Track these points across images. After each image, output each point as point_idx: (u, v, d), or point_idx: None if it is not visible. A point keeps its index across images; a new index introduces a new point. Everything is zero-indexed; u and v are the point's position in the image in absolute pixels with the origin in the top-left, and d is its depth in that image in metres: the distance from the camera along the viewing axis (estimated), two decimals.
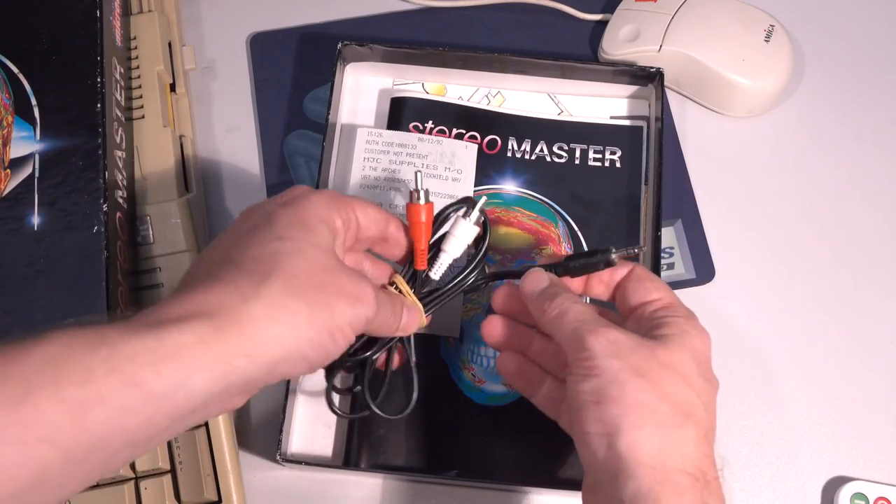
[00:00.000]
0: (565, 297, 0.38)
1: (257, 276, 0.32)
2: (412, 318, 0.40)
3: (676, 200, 0.52)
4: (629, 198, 0.50)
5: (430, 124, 0.52)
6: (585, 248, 0.49)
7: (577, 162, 0.51)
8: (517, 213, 0.50)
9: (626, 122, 0.53)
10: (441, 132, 0.52)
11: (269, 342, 0.31)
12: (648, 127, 0.52)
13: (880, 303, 0.50)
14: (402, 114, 0.52)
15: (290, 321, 0.32)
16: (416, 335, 0.43)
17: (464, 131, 0.52)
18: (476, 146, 0.51)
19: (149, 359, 0.29)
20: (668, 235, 0.51)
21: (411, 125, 0.52)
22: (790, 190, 0.53)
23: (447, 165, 0.50)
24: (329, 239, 0.35)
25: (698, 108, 0.55)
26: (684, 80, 0.54)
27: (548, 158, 0.51)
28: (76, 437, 0.28)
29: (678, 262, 0.51)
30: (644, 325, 0.37)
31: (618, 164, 0.51)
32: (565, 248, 0.49)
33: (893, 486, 0.46)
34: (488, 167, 0.51)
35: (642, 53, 0.53)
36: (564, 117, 0.53)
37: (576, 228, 0.50)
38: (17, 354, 0.28)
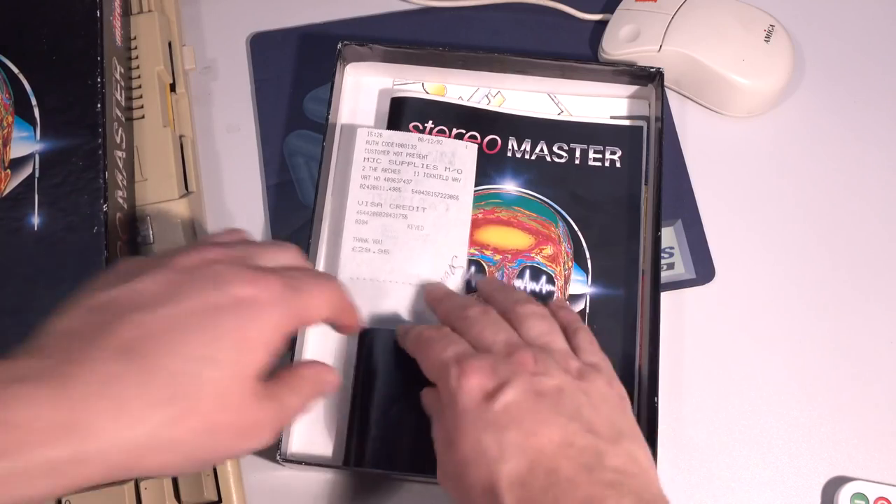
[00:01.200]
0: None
1: (153, 400, 0.30)
2: (322, 386, 0.38)
3: (676, 200, 0.52)
4: (629, 198, 0.50)
5: (430, 124, 0.52)
6: (585, 248, 0.49)
7: (577, 162, 0.51)
8: (517, 213, 0.50)
9: (627, 122, 0.53)
10: (441, 132, 0.52)
11: (131, 464, 0.30)
12: (648, 127, 0.52)
13: (880, 302, 0.50)
14: (402, 114, 0.52)
15: (165, 458, 0.31)
16: None
17: (464, 131, 0.52)
18: (476, 146, 0.51)
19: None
20: (668, 235, 0.51)
21: (411, 125, 0.51)
22: (790, 190, 0.53)
23: (447, 165, 0.50)
24: (262, 363, 0.33)
25: (698, 108, 0.55)
26: (684, 80, 0.54)
27: (548, 158, 0.51)
28: None
29: (678, 262, 0.51)
30: None
31: (618, 164, 0.51)
32: (565, 248, 0.49)
33: (893, 486, 0.46)
34: (488, 167, 0.51)
35: (642, 53, 0.53)
36: (564, 117, 0.53)
37: (576, 228, 0.50)
38: None
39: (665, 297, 0.49)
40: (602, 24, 0.56)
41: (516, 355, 0.38)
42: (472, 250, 0.49)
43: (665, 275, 0.50)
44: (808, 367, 0.49)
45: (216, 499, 0.44)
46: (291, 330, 0.35)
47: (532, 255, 0.49)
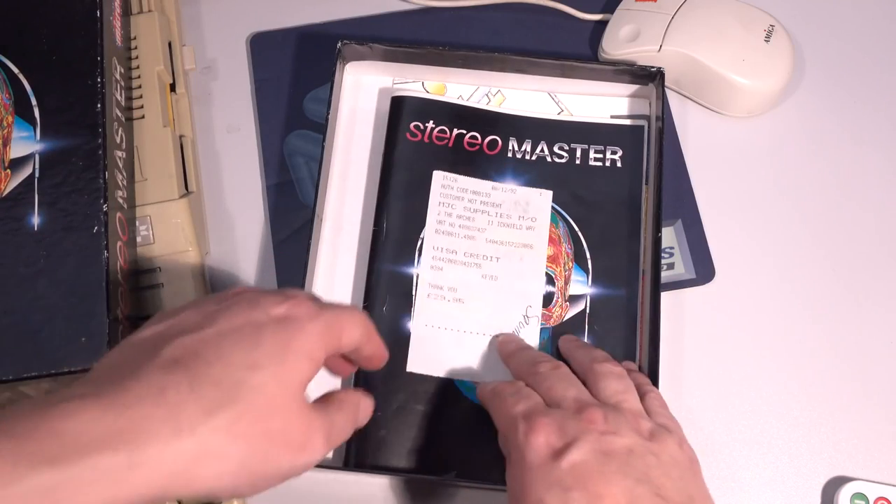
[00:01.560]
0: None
1: (207, 404, 0.30)
2: (362, 412, 0.39)
3: (676, 200, 0.52)
4: (630, 198, 0.50)
5: (430, 124, 0.52)
6: (586, 248, 0.49)
7: (577, 162, 0.51)
8: None
9: (627, 122, 0.53)
10: (442, 132, 0.52)
11: (188, 480, 0.30)
12: (649, 126, 0.52)
13: (880, 302, 0.50)
14: (401, 113, 0.52)
15: (221, 467, 0.30)
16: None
17: (464, 131, 0.52)
18: (550, 193, 0.50)
19: (46, 499, 0.27)
20: (668, 235, 0.51)
21: (412, 125, 0.51)
22: (790, 190, 0.53)
23: (521, 214, 0.50)
24: (305, 375, 0.34)
25: (698, 108, 0.55)
26: (684, 80, 0.54)
27: (548, 158, 0.51)
28: None
29: (678, 262, 0.51)
30: None
31: (619, 164, 0.51)
32: (566, 249, 0.49)
33: (893, 486, 0.46)
34: (489, 168, 0.51)
35: (642, 53, 0.53)
36: (565, 117, 0.53)
37: (576, 228, 0.50)
38: None
39: (665, 297, 0.49)
40: (602, 24, 0.56)
41: (586, 413, 0.37)
42: None
43: (665, 275, 0.50)
44: (808, 367, 0.49)
45: None
46: (331, 346, 0.35)
47: None
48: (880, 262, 0.51)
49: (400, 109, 0.52)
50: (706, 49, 0.52)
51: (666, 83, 0.53)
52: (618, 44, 0.54)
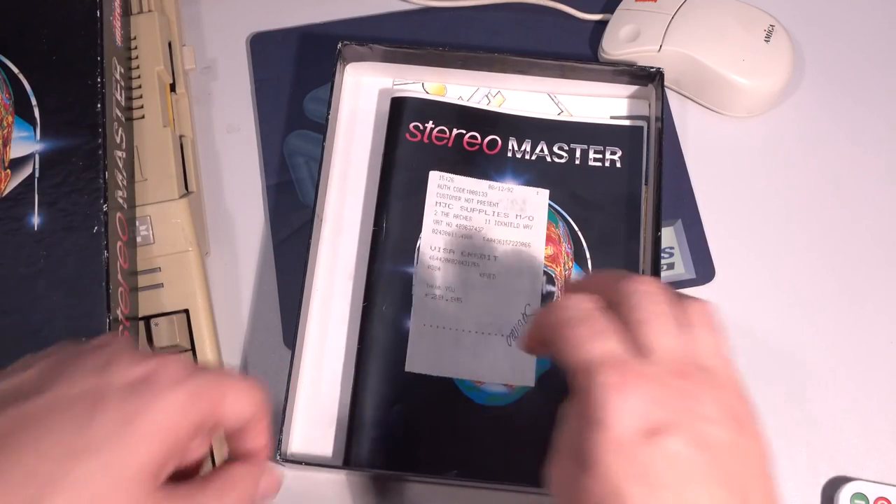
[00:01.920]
0: None
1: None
2: (261, 491, 0.32)
3: (676, 200, 0.52)
4: (630, 198, 0.50)
5: (430, 124, 0.52)
6: (586, 248, 0.49)
7: (577, 162, 0.51)
8: None
9: (627, 122, 0.53)
10: (441, 132, 0.52)
11: None
12: (648, 127, 0.52)
13: (880, 302, 0.50)
14: (401, 114, 0.52)
15: None
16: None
17: (464, 131, 0.52)
18: (547, 192, 0.50)
19: None
20: (668, 235, 0.51)
21: (411, 125, 0.51)
22: (790, 190, 0.53)
23: (518, 213, 0.50)
24: (154, 458, 0.27)
25: (698, 108, 0.55)
26: (684, 80, 0.54)
27: (548, 158, 0.51)
28: None
29: (678, 262, 0.51)
30: None
31: (618, 164, 0.51)
32: (565, 248, 0.49)
33: (893, 486, 0.46)
34: (488, 168, 0.51)
35: (642, 53, 0.53)
36: (565, 117, 0.53)
37: (576, 228, 0.50)
38: None
39: None
40: (602, 24, 0.56)
41: (688, 381, 0.29)
42: None
43: (665, 275, 0.50)
44: (808, 367, 0.49)
45: None
46: (201, 417, 0.28)
47: None
48: (880, 261, 0.51)
49: (400, 110, 0.52)
50: (706, 49, 0.52)
51: (666, 83, 0.53)
52: (618, 44, 0.54)
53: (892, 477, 0.47)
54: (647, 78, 0.52)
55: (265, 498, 0.32)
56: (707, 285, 0.50)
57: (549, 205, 0.50)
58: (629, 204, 0.50)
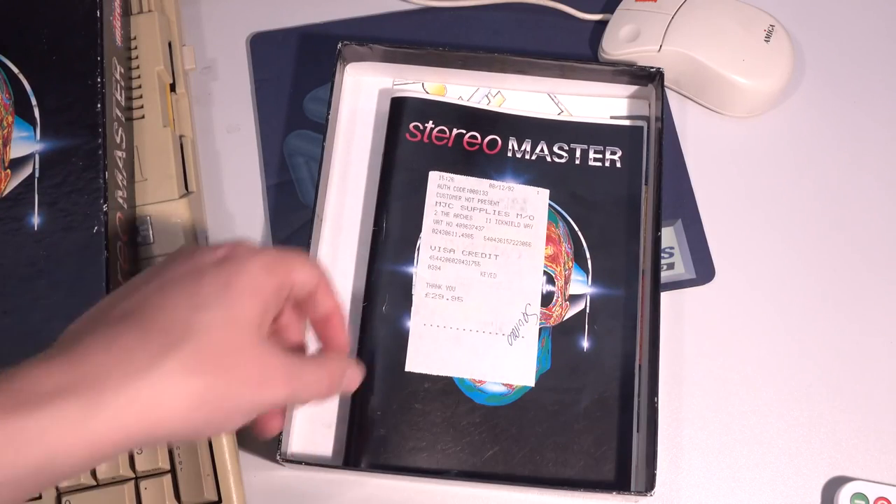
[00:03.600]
0: None
1: (156, 348, 0.31)
2: (348, 377, 0.38)
3: (676, 200, 0.52)
4: (629, 198, 0.50)
5: (430, 124, 0.52)
6: (586, 248, 0.49)
7: (577, 162, 0.51)
8: None
9: (627, 122, 0.53)
10: (441, 132, 0.52)
11: (150, 422, 0.30)
12: (648, 127, 0.52)
13: (880, 302, 0.50)
14: (401, 114, 0.52)
15: (176, 407, 0.30)
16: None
17: (464, 131, 0.52)
18: (547, 192, 0.51)
19: (8, 446, 0.28)
20: (668, 235, 0.51)
21: (411, 125, 0.51)
22: (790, 190, 0.53)
23: (519, 212, 0.50)
24: (254, 311, 0.33)
25: (698, 108, 0.55)
26: (684, 80, 0.54)
27: (548, 158, 0.51)
28: None
29: (678, 262, 0.51)
30: None
31: (618, 164, 0.51)
32: (565, 248, 0.49)
33: (893, 486, 0.46)
34: (489, 167, 0.51)
35: (642, 53, 0.53)
36: (564, 117, 0.53)
37: (576, 228, 0.50)
38: None
39: (665, 297, 0.49)
40: (602, 24, 0.56)
41: None
42: None
43: (665, 275, 0.50)
44: (808, 367, 0.49)
45: (216, 499, 0.44)
46: (278, 282, 0.35)
47: None
48: (880, 261, 0.51)
49: (400, 110, 0.52)
50: (706, 49, 0.52)
51: (666, 83, 0.53)
52: (618, 44, 0.54)
53: (892, 477, 0.47)
54: (647, 78, 0.52)
55: (350, 384, 0.39)
56: (707, 285, 0.50)
57: (549, 205, 0.50)
58: (629, 204, 0.50)
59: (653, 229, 0.48)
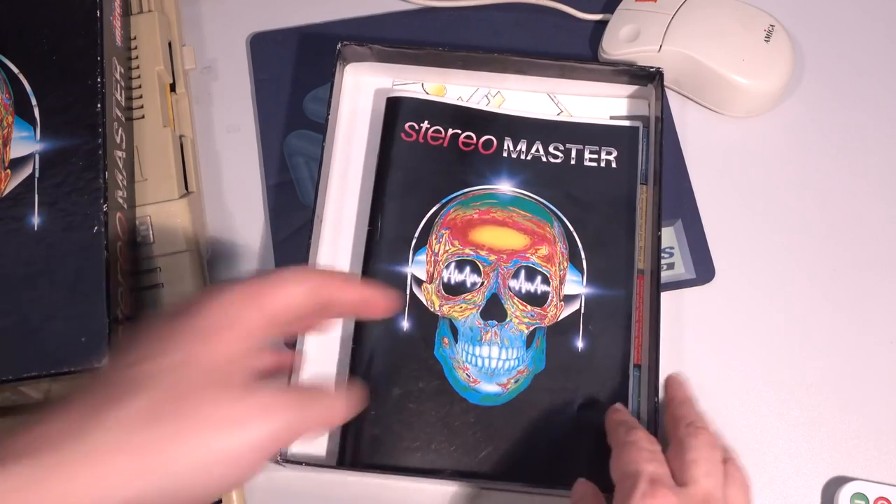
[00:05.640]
0: None
1: (104, 402, 0.28)
2: (340, 409, 0.35)
3: (676, 200, 0.52)
4: (625, 198, 0.50)
5: (425, 124, 0.52)
6: (581, 248, 0.49)
7: (573, 162, 0.51)
8: (512, 213, 0.50)
9: (623, 123, 0.53)
10: (437, 132, 0.52)
11: (100, 487, 0.27)
12: (648, 127, 0.52)
13: (880, 302, 0.50)
14: (397, 114, 0.52)
15: (129, 461, 0.28)
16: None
17: (459, 131, 0.52)
18: None
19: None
20: (669, 235, 0.51)
21: (406, 125, 0.52)
22: (790, 190, 0.53)
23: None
24: (232, 347, 0.31)
25: (698, 108, 0.55)
26: (684, 80, 0.54)
27: (543, 159, 0.51)
28: None
29: (678, 262, 0.51)
30: None
31: (614, 165, 0.51)
32: (560, 249, 0.49)
33: (893, 486, 0.46)
34: (483, 167, 0.51)
35: (642, 53, 0.53)
36: (560, 118, 0.53)
37: (571, 229, 0.50)
38: None
39: (665, 297, 0.49)
40: (602, 24, 0.56)
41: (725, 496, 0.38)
42: (468, 250, 0.49)
43: (665, 275, 0.50)
44: (808, 367, 0.49)
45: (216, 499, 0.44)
46: (264, 312, 0.33)
47: (527, 255, 0.49)
48: (880, 261, 0.51)
49: (395, 110, 0.52)
50: (706, 49, 0.52)
51: (666, 83, 0.53)
52: (618, 44, 0.54)
53: (892, 477, 0.47)
54: (647, 78, 0.52)
55: (341, 414, 0.35)
56: (707, 285, 0.50)
57: (545, 205, 0.50)
58: (625, 204, 0.50)
59: (653, 229, 0.48)
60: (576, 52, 0.56)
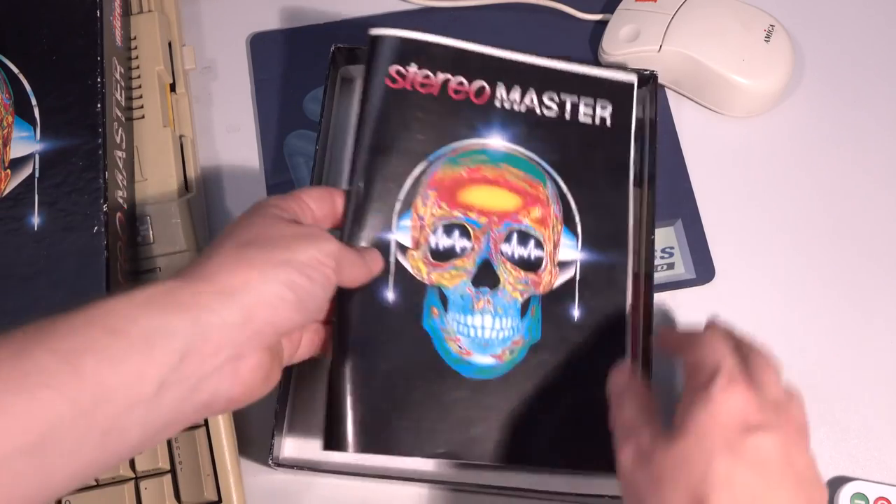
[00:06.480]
0: (628, 401, 0.40)
1: (217, 241, 0.37)
2: (375, 258, 0.43)
3: (676, 200, 0.52)
4: (618, 159, 0.48)
5: (413, 68, 0.46)
6: (575, 210, 0.47)
7: (567, 118, 0.49)
8: (503, 172, 0.47)
9: (619, 75, 0.50)
10: (427, 78, 0.47)
11: (236, 284, 0.34)
12: (645, 127, 0.51)
13: (881, 302, 0.50)
14: (380, 55, 0.46)
15: (250, 264, 0.35)
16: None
17: (450, 76, 0.48)
18: None
19: (124, 310, 0.32)
20: (669, 235, 0.51)
21: (392, 69, 0.46)
22: (790, 190, 0.53)
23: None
24: (281, 216, 0.39)
25: (698, 108, 0.55)
26: (684, 80, 0.54)
27: (537, 111, 0.48)
28: (75, 383, 0.29)
29: (678, 262, 0.51)
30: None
31: (608, 123, 0.49)
32: (554, 210, 0.47)
33: (893, 486, 0.46)
34: (475, 118, 0.47)
35: (642, 53, 0.53)
36: (556, 64, 0.49)
37: (564, 190, 0.47)
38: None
39: (665, 297, 0.49)
40: (602, 24, 0.56)
41: (791, 408, 0.37)
42: (457, 213, 0.46)
43: (665, 275, 0.50)
44: (808, 367, 0.49)
45: (216, 499, 0.44)
46: (294, 206, 0.41)
47: (519, 217, 0.46)
48: (880, 261, 0.51)
49: (379, 50, 0.46)
50: (706, 49, 0.52)
51: (666, 83, 0.53)
52: (618, 44, 0.54)
53: (892, 477, 0.47)
54: (641, 81, 0.51)
55: (375, 268, 0.43)
56: (707, 285, 0.50)
57: (538, 163, 0.48)
58: (618, 165, 0.48)
59: (646, 232, 0.47)
60: (576, 52, 0.56)
